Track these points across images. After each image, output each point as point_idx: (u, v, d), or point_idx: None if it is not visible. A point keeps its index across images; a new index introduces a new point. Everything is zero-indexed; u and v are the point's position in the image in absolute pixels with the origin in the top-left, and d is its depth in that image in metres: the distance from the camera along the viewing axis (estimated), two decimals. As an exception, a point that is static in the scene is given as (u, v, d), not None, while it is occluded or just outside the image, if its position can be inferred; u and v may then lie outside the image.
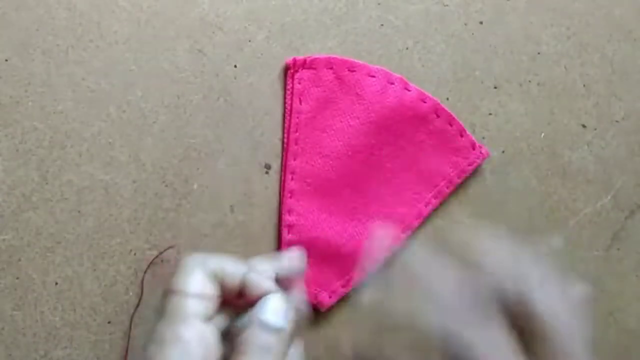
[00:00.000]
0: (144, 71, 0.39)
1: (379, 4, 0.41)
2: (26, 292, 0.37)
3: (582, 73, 0.43)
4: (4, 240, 0.37)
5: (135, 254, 0.38)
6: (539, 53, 0.43)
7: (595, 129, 0.43)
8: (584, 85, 0.43)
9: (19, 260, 0.37)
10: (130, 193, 0.38)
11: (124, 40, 0.39)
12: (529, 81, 0.42)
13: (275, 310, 0.30)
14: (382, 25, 0.41)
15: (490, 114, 0.42)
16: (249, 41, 0.40)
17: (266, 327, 0.29)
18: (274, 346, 0.29)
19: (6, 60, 0.37)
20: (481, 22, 0.42)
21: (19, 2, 0.38)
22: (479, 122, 0.42)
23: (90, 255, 0.37)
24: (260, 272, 0.31)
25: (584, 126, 0.43)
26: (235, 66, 0.40)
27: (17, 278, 0.37)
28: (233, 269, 0.31)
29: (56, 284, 0.37)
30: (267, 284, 0.31)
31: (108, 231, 0.37)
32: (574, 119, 0.43)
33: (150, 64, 0.39)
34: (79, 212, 0.37)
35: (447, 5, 0.42)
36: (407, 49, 0.41)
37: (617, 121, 0.43)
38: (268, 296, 0.30)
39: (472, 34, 0.42)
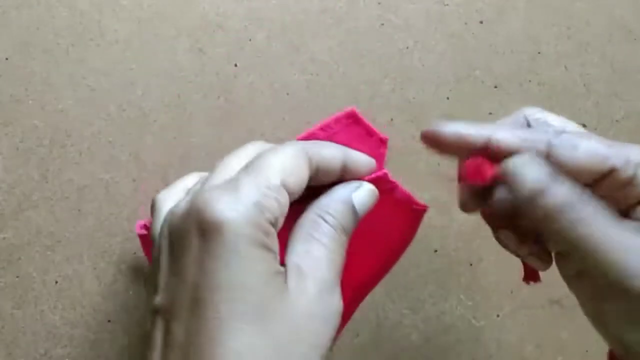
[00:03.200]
0: (144, 70, 0.39)
1: (379, 3, 0.41)
2: (26, 290, 0.37)
3: (582, 73, 0.43)
4: (4, 238, 0.37)
5: (135, 253, 0.38)
6: (539, 53, 0.43)
7: (596, 129, 0.43)
8: (584, 85, 0.43)
9: (19, 258, 0.37)
10: (131, 192, 0.38)
11: (125, 39, 0.39)
12: (529, 81, 0.42)
13: (367, 203, 0.28)
14: (382, 24, 0.41)
15: (490, 113, 0.42)
16: (250, 40, 0.40)
17: (355, 212, 0.27)
18: (348, 237, 0.27)
19: (7, 58, 0.37)
20: (481, 22, 0.42)
21: (20, 0, 0.38)
22: (479, 122, 0.42)
23: (90, 254, 0.37)
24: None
25: (584, 126, 0.43)
26: (236, 65, 0.40)
27: (17, 276, 0.37)
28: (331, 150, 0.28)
29: (56, 282, 0.37)
30: (372, 165, 0.29)
31: (108, 230, 0.38)
32: (574, 118, 0.43)
33: (151, 62, 0.39)
34: (79, 210, 0.37)
35: (447, 5, 0.42)
36: (407, 48, 0.41)
37: (617, 121, 0.43)
38: (365, 184, 0.28)
39: (472, 33, 0.42)
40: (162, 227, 0.26)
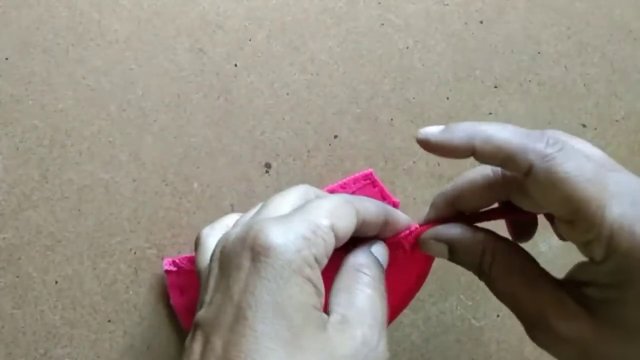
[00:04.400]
0: (144, 70, 0.39)
1: (379, 3, 0.41)
2: (26, 290, 0.37)
3: (582, 73, 0.43)
4: (4, 238, 0.37)
5: (135, 253, 0.38)
6: (539, 53, 0.43)
7: (596, 129, 0.43)
8: (584, 85, 0.43)
9: (19, 258, 0.37)
10: (131, 192, 0.38)
11: (125, 39, 0.39)
12: (529, 81, 0.42)
13: (384, 255, 0.30)
14: (382, 24, 0.41)
15: (490, 113, 0.42)
16: (249, 40, 0.40)
17: (379, 264, 0.29)
18: (382, 283, 0.28)
19: (6, 58, 0.37)
20: (481, 22, 0.42)
21: (20, 0, 0.38)
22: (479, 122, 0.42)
23: (90, 254, 0.37)
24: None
25: (584, 126, 0.43)
26: (236, 65, 0.40)
27: (17, 277, 0.37)
28: (375, 206, 0.30)
29: (56, 282, 0.37)
30: (407, 222, 0.31)
31: (108, 230, 0.38)
32: (574, 118, 0.43)
33: (151, 62, 0.39)
34: (79, 210, 0.37)
35: (447, 5, 0.42)
36: (407, 48, 0.41)
37: (617, 121, 0.43)
38: (378, 239, 0.30)
39: (472, 33, 0.42)
40: (214, 251, 0.27)
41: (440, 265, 0.41)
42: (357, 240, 0.30)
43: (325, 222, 0.26)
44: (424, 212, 0.41)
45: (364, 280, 0.27)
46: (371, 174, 0.39)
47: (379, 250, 0.30)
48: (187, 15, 0.39)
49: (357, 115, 0.41)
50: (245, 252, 0.25)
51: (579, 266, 0.27)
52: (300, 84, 0.40)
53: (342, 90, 0.40)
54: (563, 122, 0.43)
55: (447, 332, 0.41)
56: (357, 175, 0.39)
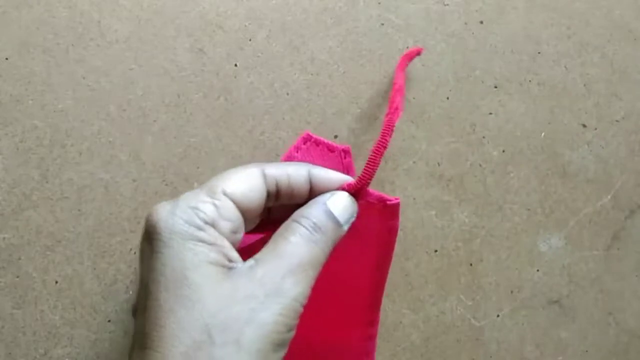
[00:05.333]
0: (144, 70, 0.39)
1: (379, 3, 0.41)
2: (26, 290, 0.37)
3: (582, 73, 0.43)
4: (4, 238, 0.37)
5: (135, 253, 0.38)
6: (539, 53, 0.43)
7: (596, 129, 0.43)
8: (584, 85, 0.43)
9: (19, 258, 0.37)
10: (131, 192, 0.38)
11: (125, 39, 0.39)
12: (529, 81, 0.42)
13: (344, 207, 0.30)
14: (382, 24, 0.41)
15: (490, 113, 0.42)
16: (250, 40, 0.40)
17: (330, 215, 0.29)
18: (328, 238, 0.29)
19: (6, 58, 0.37)
20: (481, 22, 0.42)
21: (20, 0, 0.38)
22: (479, 122, 0.42)
23: (90, 253, 0.37)
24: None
25: (584, 126, 0.43)
26: (236, 65, 0.40)
27: (17, 276, 0.37)
28: (295, 168, 0.30)
29: (56, 282, 0.37)
30: (341, 177, 0.31)
31: (108, 230, 0.38)
32: (574, 118, 0.43)
33: (151, 62, 0.39)
34: (79, 210, 0.37)
35: (447, 5, 0.42)
36: (407, 48, 0.41)
37: (617, 121, 0.43)
38: (338, 191, 0.30)
39: (472, 33, 0.42)
40: None
41: (441, 266, 0.41)
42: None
43: (216, 189, 0.27)
44: (424, 212, 0.41)
45: (293, 229, 0.28)
46: (308, 134, 0.38)
47: (337, 201, 0.30)
48: (187, 15, 0.39)
49: (357, 115, 0.41)
50: (144, 236, 0.27)
51: None
52: (300, 84, 0.40)
53: (342, 90, 0.40)
54: (563, 122, 0.43)
55: (447, 332, 0.41)
56: (296, 142, 0.38)
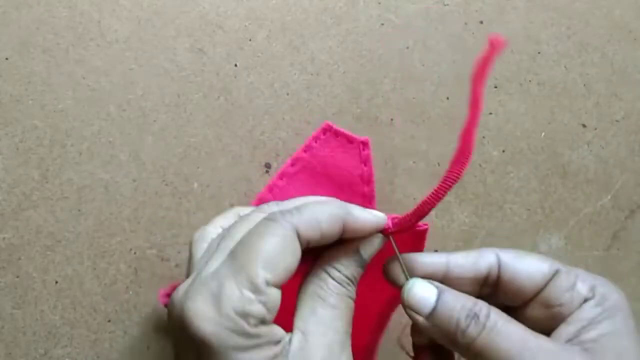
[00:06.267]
0: (144, 70, 0.39)
1: (379, 3, 0.41)
2: (26, 290, 0.37)
3: (582, 73, 0.43)
4: (4, 238, 0.37)
5: (135, 253, 0.38)
6: (539, 53, 0.43)
7: (595, 129, 0.43)
8: (584, 85, 0.43)
9: (19, 258, 0.37)
10: (131, 192, 0.38)
11: (125, 39, 0.39)
12: (529, 81, 0.42)
13: (375, 251, 0.29)
14: (382, 24, 0.41)
15: (490, 113, 0.42)
16: (250, 40, 0.40)
17: (364, 264, 0.28)
18: (357, 282, 0.28)
19: (6, 58, 0.37)
20: (481, 22, 0.42)
21: (20, 0, 0.38)
22: (479, 121, 0.42)
23: (90, 254, 0.37)
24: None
25: (584, 126, 0.43)
26: (236, 65, 0.40)
27: (17, 276, 0.37)
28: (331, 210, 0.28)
29: (56, 282, 0.37)
30: (376, 220, 0.29)
31: (108, 230, 0.37)
32: (574, 118, 0.43)
33: (151, 62, 0.39)
34: (79, 210, 0.37)
35: (447, 5, 0.42)
36: (407, 48, 0.41)
37: (617, 121, 0.43)
38: (374, 238, 0.29)
39: (472, 33, 0.42)
40: (169, 311, 0.27)
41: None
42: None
43: (260, 280, 0.25)
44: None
45: (329, 286, 0.27)
46: (328, 124, 0.38)
47: (369, 248, 0.29)
48: (187, 15, 0.39)
49: (357, 115, 0.40)
50: (185, 340, 0.25)
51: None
52: (300, 84, 0.40)
53: (342, 90, 0.40)
54: (563, 122, 0.43)
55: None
56: (315, 132, 0.38)
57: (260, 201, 0.38)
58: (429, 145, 0.41)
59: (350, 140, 0.38)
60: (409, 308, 0.28)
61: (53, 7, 0.38)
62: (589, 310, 0.27)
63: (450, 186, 0.27)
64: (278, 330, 0.25)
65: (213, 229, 0.31)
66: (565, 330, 0.27)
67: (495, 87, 0.42)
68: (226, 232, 0.28)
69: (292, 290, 0.28)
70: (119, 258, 0.38)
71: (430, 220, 0.41)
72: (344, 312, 0.27)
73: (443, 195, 0.27)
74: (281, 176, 0.38)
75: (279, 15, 0.40)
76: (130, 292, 0.37)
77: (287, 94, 0.40)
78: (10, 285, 0.37)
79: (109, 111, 0.38)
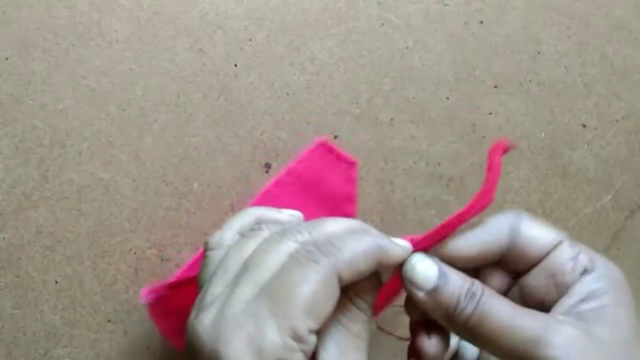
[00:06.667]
0: (144, 70, 0.39)
1: (379, 3, 0.41)
2: (26, 290, 0.37)
3: (582, 73, 0.43)
4: (4, 238, 0.37)
5: (135, 253, 0.38)
6: (539, 53, 0.43)
7: (596, 129, 0.43)
8: (584, 85, 0.43)
9: (19, 258, 0.37)
10: (131, 192, 0.38)
11: (125, 39, 0.39)
12: (529, 81, 0.42)
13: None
14: (382, 24, 0.41)
15: (490, 113, 0.42)
16: (249, 40, 0.40)
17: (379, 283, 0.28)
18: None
19: (6, 58, 0.37)
20: (481, 22, 0.42)
21: (20, 0, 0.38)
22: (479, 122, 0.42)
23: (90, 254, 0.37)
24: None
25: (584, 126, 0.43)
26: (236, 65, 0.40)
27: (17, 276, 0.37)
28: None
29: (56, 282, 0.37)
30: (404, 250, 0.28)
31: (108, 230, 0.37)
32: (574, 118, 0.43)
33: (151, 62, 0.39)
34: (79, 210, 0.37)
35: (447, 5, 0.42)
36: (407, 48, 0.41)
37: (617, 121, 0.43)
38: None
39: (472, 33, 0.42)
40: (189, 331, 0.26)
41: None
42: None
43: (302, 326, 0.24)
44: (424, 212, 0.41)
45: (355, 316, 0.27)
46: (324, 142, 0.39)
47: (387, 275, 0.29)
48: (187, 15, 0.39)
49: (357, 115, 0.41)
50: None
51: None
52: (300, 84, 0.40)
53: (342, 90, 0.40)
54: (563, 122, 0.43)
55: (447, 332, 0.41)
56: (311, 146, 0.39)
57: (256, 204, 0.38)
58: (429, 145, 0.41)
59: (340, 158, 0.39)
60: (410, 284, 0.28)
61: (53, 7, 0.38)
62: (589, 284, 0.27)
63: (463, 221, 0.28)
64: None
65: (230, 235, 0.30)
66: (565, 302, 0.27)
67: (495, 87, 0.42)
68: (251, 257, 0.27)
69: None
70: (119, 258, 0.38)
71: (430, 220, 0.41)
72: (365, 339, 0.27)
73: (456, 226, 0.28)
74: (276, 184, 0.39)
75: (279, 15, 0.40)
76: (130, 292, 0.37)
77: (287, 94, 0.40)
78: (10, 285, 0.37)
79: (109, 111, 0.38)
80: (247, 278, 0.25)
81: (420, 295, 0.27)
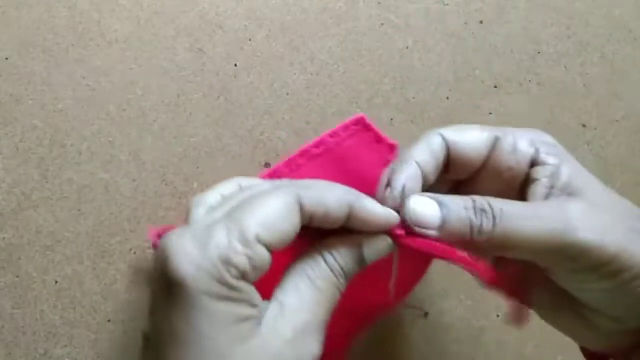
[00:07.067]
0: (144, 70, 0.39)
1: (379, 3, 0.41)
2: (26, 290, 0.37)
3: (582, 73, 0.43)
4: (4, 238, 0.37)
5: (135, 253, 0.38)
6: (539, 53, 0.43)
7: (595, 129, 0.43)
8: (584, 85, 0.43)
9: (19, 258, 0.37)
10: (131, 192, 0.38)
11: (125, 39, 0.39)
12: (529, 81, 0.42)
13: (378, 254, 0.28)
14: (382, 24, 0.41)
15: (490, 113, 0.42)
16: (249, 40, 0.40)
17: (363, 263, 0.27)
18: (350, 279, 0.27)
19: (7, 58, 0.37)
20: (481, 22, 0.42)
21: (20, 0, 0.38)
22: (479, 122, 0.41)
23: (90, 254, 0.37)
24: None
25: (584, 126, 0.43)
26: (236, 65, 0.40)
27: (17, 276, 0.37)
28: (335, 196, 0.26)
29: (56, 282, 0.37)
30: (386, 216, 0.27)
31: (108, 230, 0.37)
32: (574, 118, 0.43)
33: (151, 62, 0.39)
34: (79, 210, 0.37)
35: (447, 5, 0.42)
36: (407, 48, 0.41)
37: (617, 121, 0.43)
38: (379, 239, 0.28)
39: (472, 33, 0.42)
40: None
41: (441, 266, 0.41)
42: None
43: (250, 235, 0.24)
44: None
45: (320, 270, 0.26)
46: (362, 118, 0.36)
47: (374, 248, 0.28)
48: (187, 15, 0.39)
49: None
50: (161, 278, 0.24)
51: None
52: (300, 84, 0.40)
53: (342, 90, 0.40)
54: (563, 122, 0.43)
55: (447, 332, 0.41)
56: (347, 121, 0.36)
57: (275, 172, 0.36)
58: (429, 145, 0.41)
59: (379, 139, 0.36)
60: (418, 227, 0.27)
61: (53, 7, 0.38)
62: (547, 162, 0.28)
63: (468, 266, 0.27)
64: (257, 296, 0.25)
65: (213, 196, 0.30)
66: (537, 191, 0.28)
67: (495, 87, 0.42)
68: (226, 199, 0.28)
69: (281, 271, 0.27)
70: (119, 258, 0.38)
71: (430, 220, 0.41)
72: (327, 300, 0.26)
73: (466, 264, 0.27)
74: (302, 154, 0.36)
75: (279, 15, 0.40)
76: (130, 292, 0.38)
77: (287, 94, 0.40)
78: (10, 285, 0.37)
79: (108, 111, 0.38)
80: (217, 211, 0.26)
81: (435, 233, 0.27)
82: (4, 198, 0.37)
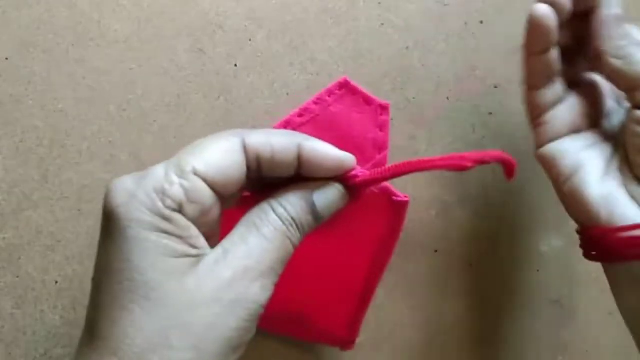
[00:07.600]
0: (144, 70, 0.39)
1: (379, 3, 0.41)
2: (26, 290, 0.37)
3: (582, 73, 0.43)
4: (4, 238, 0.37)
5: (135, 253, 0.38)
6: (539, 53, 0.43)
7: (595, 129, 0.43)
8: (584, 85, 0.43)
9: (19, 258, 0.37)
10: (131, 192, 0.38)
11: (125, 39, 0.39)
12: (529, 81, 0.42)
13: (332, 203, 0.27)
14: (382, 24, 0.41)
15: (490, 113, 0.42)
16: (250, 40, 0.40)
17: (314, 212, 0.26)
18: (303, 233, 0.26)
19: (6, 58, 0.37)
20: (482, 22, 0.42)
21: (20, 0, 0.38)
22: (479, 122, 0.42)
23: (90, 254, 0.37)
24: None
25: (584, 126, 0.43)
26: (236, 65, 0.40)
27: (17, 277, 0.37)
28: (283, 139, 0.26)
29: (56, 282, 0.37)
30: (340, 157, 0.26)
31: (108, 230, 0.38)
32: (574, 118, 0.43)
33: (151, 62, 0.39)
34: (79, 210, 0.37)
35: (447, 5, 0.42)
36: (407, 48, 0.41)
37: (617, 121, 0.43)
38: (330, 185, 0.27)
39: (472, 33, 0.42)
40: None
41: (441, 266, 0.41)
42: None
43: (187, 167, 0.24)
44: (424, 212, 0.41)
45: (268, 219, 0.26)
46: (346, 80, 0.35)
47: (325, 195, 0.27)
48: (187, 15, 0.39)
49: (357, 115, 0.40)
50: (102, 218, 0.24)
51: None
52: (300, 84, 0.40)
53: (342, 90, 0.40)
54: (563, 122, 0.43)
55: (447, 333, 0.41)
56: (331, 85, 0.35)
57: None
58: (429, 145, 0.41)
59: (368, 101, 0.35)
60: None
61: (53, 7, 0.38)
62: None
63: (441, 167, 0.25)
64: (201, 239, 0.24)
65: None
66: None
67: (495, 87, 0.42)
68: None
69: None
70: (119, 258, 0.38)
71: (430, 220, 0.41)
72: (276, 248, 0.25)
73: (428, 168, 0.25)
74: (285, 124, 0.35)
75: (279, 15, 0.40)
76: (130, 292, 0.38)
77: (287, 94, 0.40)
78: (10, 285, 0.37)
79: (109, 111, 0.38)
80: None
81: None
82: (4, 198, 0.37)
